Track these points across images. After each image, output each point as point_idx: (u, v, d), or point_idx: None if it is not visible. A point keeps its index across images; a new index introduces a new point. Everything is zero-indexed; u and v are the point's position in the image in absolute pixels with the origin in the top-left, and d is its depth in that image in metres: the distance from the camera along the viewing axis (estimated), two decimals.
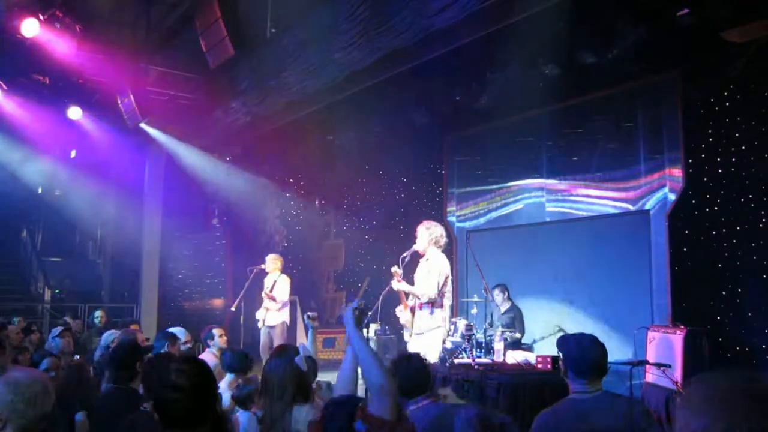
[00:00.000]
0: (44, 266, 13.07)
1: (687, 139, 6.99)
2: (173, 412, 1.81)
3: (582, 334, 2.76)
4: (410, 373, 2.99)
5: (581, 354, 2.64)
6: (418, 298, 5.47)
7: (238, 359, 4.42)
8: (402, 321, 5.78)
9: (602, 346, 2.72)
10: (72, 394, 3.72)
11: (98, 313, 8.25)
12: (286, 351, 2.89)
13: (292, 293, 8.51)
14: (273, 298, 8.04)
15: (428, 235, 5.60)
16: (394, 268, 5.56)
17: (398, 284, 5.59)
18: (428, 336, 5.44)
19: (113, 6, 7.90)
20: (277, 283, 8.23)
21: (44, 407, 1.96)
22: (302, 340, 9.88)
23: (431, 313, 5.47)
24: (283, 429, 2.59)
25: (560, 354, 2.74)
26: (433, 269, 5.51)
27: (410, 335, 5.65)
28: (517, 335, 7.33)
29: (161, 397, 1.81)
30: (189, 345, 5.40)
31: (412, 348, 5.44)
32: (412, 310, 5.68)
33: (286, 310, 8.29)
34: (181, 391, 1.81)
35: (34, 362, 4.08)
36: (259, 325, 8.20)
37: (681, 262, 6.93)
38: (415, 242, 5.68)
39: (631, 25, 6.09)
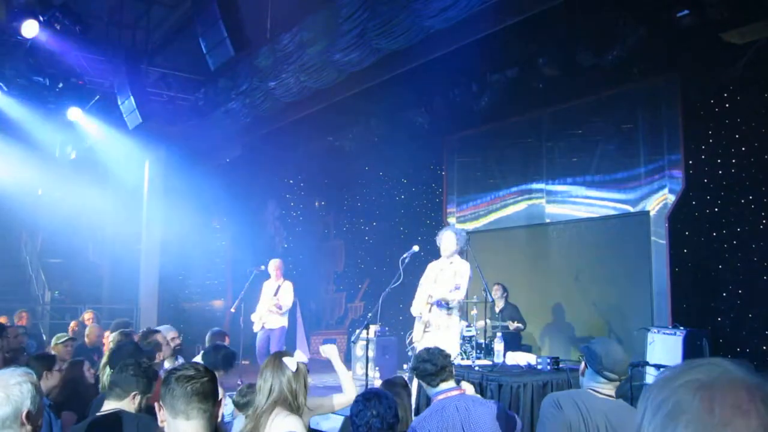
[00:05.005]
0: (44, 267, 13.06)
1: (687, 141, 6.99)
2: None
3: (607, 339, 2.69)
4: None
5: (605, 352, 2.58)
6: (447, 302, 5.50)
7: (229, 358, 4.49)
8: (419, 317, 5.68)
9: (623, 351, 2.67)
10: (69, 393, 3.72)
11: (87, 315, 8.18)
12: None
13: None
14: (280, 308, 7.90)
15: (456, 242, 5.64)
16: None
17: None
18: (447, 333, 5.47)
19: (113, 7, 7.90)
20: (281, 290, 8.07)
21: None
22: (301, 343, 9.89)
23: (449, 311, 5.52)
24: None
25: (583, 354, 2.68)
26: (460, 272, 5.58)
27: (422, 333, 5.62)
28: (520, 326, 7.30)
29: None
30: (177, 342, 5.35)
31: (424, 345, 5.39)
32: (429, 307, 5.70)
33: (286, 315, 8.22)
34: None
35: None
36: (256, 328, 8.08)
37: (681, 264, 6.93)
38: (441, 246, 5.70)
39: (631, 27, 6.09)
